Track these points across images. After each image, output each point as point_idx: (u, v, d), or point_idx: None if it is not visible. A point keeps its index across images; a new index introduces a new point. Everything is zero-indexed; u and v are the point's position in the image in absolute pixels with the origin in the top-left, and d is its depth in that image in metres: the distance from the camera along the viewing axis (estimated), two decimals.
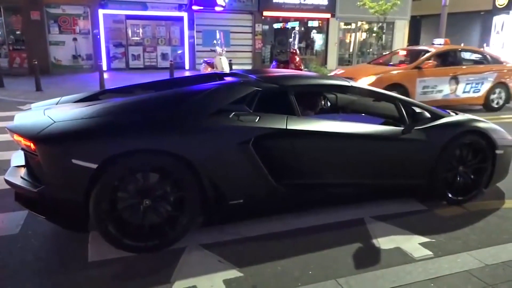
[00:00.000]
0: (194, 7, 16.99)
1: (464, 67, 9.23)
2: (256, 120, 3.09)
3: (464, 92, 9.03)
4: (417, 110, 3.65)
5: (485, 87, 9.13)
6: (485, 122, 3.91)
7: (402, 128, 3.59)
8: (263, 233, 3.19)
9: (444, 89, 8.90)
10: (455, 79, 8.90)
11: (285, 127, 3.15)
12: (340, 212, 3.56)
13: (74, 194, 2.70)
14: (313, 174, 3.35)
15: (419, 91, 8.62)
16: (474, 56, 10.31)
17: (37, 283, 2.55)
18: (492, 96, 9.30)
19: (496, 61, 9.57)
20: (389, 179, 3.62)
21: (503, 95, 9.40)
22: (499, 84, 9.25)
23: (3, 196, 3.70)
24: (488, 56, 9.79)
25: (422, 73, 8.66)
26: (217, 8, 17.26)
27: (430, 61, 8.83)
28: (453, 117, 3.92)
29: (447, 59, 9.40)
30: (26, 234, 3.13)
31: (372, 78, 8.37)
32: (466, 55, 10.39)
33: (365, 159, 3.49)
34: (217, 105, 3.11)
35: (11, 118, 3.38)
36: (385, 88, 7.95)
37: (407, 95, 7.78)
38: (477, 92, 9.14)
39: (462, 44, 20.24)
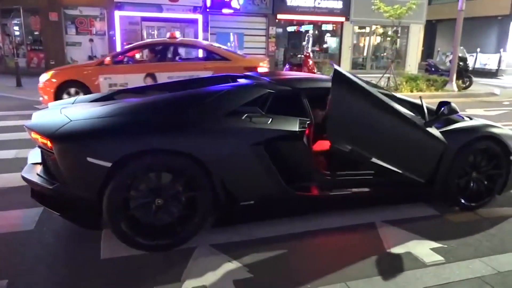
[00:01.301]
0: (215, 10, 17.08)
1: (166, 63, 8.45)
2: (269, 122, 3.11)
3: None
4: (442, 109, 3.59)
5: None
6: (500, 128, 3.86)
7: (424, 121, 3.53)
8: (274, 234, 3.20)
9: None
10: (151, 76, 8.11)
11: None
12: (352, 215, 3.55)
13: (88, 192, 2.75)
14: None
15: (104, 89, 7.79)
16: (204, 52, 9.10)
17: (50, 279, 2.60)
18: None
19: (222, 58, 8.47)
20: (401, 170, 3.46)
21: None
22: None
23: (20, 192, 3.78)
24: (214, 53, 8.69)
25: (106, 70, 8.01)
26: (229, 11, 17.34)
27: (108, 57, 8.23)
28: (468, 122, 3.88)
29: (157, 54, 8.77)
30: (41, 230, 3.20)
31: (48, 75, 8.03)
32: (196, 51, 9.24)
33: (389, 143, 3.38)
34: (230, 106, 3.14)
35: (29, 117, 3.45)
36: (61, 85, 7.80)
37: (89, 92, 7.39)
38: None
39: (478, 49, 20.02)
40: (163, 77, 8.03)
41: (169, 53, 8.88)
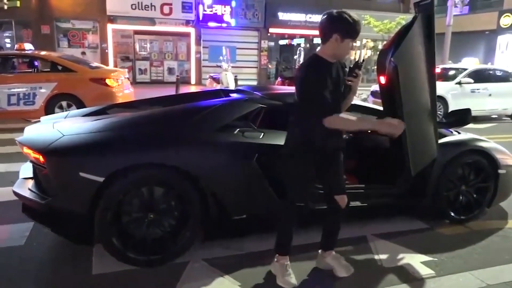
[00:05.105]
0: (208, 23, 17.23)
1: (3, 75, 8.18)
2: (261, 137, 3.14)
3: (11, 104, 8.00)
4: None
5: (41, 98, 8.04)
6: (487, 142, 3.93)
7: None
8: (266, 249, 3.19)
9: None
10: None
11: None
12: (343, 229, 3.53)
13: (80, 207, 2.74)
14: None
15: None
16: (50, 64, 8.83)
17: None
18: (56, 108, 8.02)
19: (68, 70, 8.31)
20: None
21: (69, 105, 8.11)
22: (62, 95, 8.09)
23: (10, 207, 3.74)
24: (60, 64, 8.44)
25: None
26: (224, 25, 17.52)
27: None
28: (456, 136, 3.94)
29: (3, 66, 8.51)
30: (31, 246, 3.17)
31: None
32: (39, 62, 8.94)
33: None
34: (222, 121, 3.17)
35: (20, 130, 3.45)
36: None
37: None
38: (31, 104, 8.07)
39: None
40: (0, 89, 7.86)
41: (14, 64, 8.68)
